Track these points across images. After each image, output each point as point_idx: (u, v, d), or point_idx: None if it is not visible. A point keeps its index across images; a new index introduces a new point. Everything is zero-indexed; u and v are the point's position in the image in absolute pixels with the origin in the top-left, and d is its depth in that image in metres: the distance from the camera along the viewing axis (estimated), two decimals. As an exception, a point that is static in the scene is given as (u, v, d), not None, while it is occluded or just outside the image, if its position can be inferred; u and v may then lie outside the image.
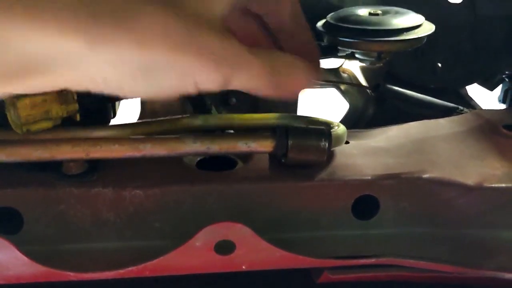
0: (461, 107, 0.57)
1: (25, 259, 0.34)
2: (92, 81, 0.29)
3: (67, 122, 0.40)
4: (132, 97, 0.31)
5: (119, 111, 0.52)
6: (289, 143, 0.40)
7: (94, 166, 0.40)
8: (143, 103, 0.56)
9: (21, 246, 0.35)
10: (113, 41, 0.27)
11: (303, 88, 0.37)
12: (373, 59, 0.55)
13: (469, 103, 0.67)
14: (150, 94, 0.31)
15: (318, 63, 0.41)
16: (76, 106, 0.39)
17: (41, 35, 0.26)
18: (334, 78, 0.71)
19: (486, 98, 0.74)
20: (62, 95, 0.37)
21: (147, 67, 0.29)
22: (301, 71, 0.36)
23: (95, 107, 0.44)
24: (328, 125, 0.45)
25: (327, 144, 0.41)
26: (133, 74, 0.29)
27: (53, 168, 0.39)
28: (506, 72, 0.69)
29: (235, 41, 0.33)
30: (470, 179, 0.42)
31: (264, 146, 0.40)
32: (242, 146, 0.40)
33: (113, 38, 0.27)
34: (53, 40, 0.26)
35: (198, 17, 0.31)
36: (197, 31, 0.31)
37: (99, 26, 0.27)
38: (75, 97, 0.38)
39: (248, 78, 0.34)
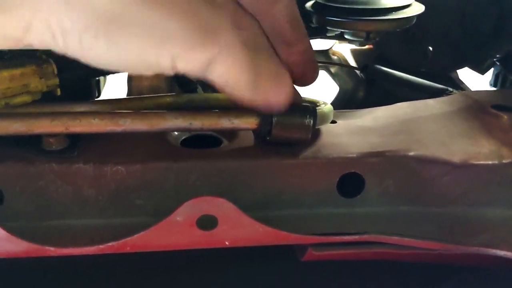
0: (450, 89, 0.56)
1: (3, 233, 0.34)
2: (47, 29, 0.23)
3: (48, 98, 0.39)
4: (91, 61, 0.25)
5: (104, 91, 0.52)
6: (273, 120, 0.39)
7: (75, 143, 0.40)
8: (129, 83, 0.55)
9: (0, 221, 0.34)
10: None
11: (280, 101, 0.32)
12: (362, 39, 0.55)
13: (460, 86, 0.67)
14: (112, 60, 0.25)
15: (313, 76, 0.39)
16: (57, 80, 0.38)
17: None
18: (324, 60, 0.71)
19: (477, 82, 0.74)
20: (42, 68, 0.37)
21: (114, 18, 0.23)
22: (286, 82, 0.31)
23: (78, 84, 0.43)
24: (313, 103, 0.44)
25: (312, 122, 0.40)
26: (95, 25, 0.23)
27: (33, 144, 0.39)
28: (497, 56, 0.68)
29: (225, 14, 0.27)
30: (455, 157, 0.41)
31: (248, 122, 0.40)
32: (226, 122, 0.39)
33: None
34: None
35: None
36: None
37: None
38: (55, 71, 0.38)
39: (230, 66, 0.28)
